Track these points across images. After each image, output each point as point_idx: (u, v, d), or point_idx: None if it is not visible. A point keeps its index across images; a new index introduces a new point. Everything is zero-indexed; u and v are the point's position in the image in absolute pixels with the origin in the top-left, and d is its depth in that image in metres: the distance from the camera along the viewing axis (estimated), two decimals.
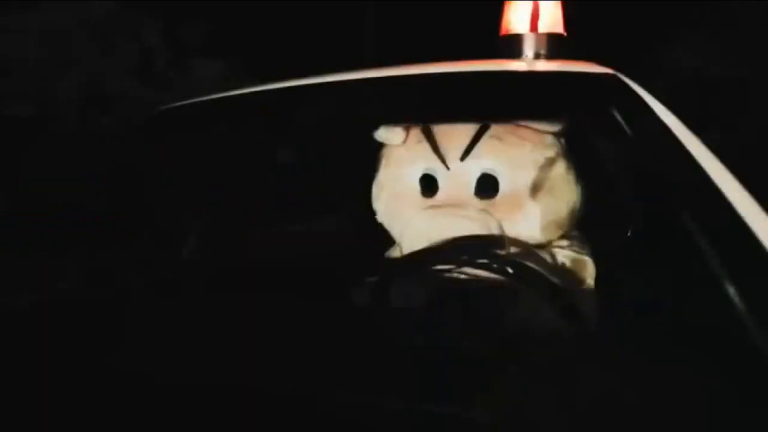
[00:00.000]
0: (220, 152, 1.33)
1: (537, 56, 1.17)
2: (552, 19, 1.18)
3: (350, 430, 0.53)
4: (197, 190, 1.34)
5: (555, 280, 0.85)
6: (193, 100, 1.25)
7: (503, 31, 1.22)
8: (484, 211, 0.97)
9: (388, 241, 1.15)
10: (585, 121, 1.02)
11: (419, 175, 1.05)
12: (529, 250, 0.96)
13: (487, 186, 1.00)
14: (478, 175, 1.00)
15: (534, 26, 1.18)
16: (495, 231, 0.96)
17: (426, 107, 1.05)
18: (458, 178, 1.02)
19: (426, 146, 1.05)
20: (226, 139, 1.30)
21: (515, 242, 0.97)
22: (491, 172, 1.00)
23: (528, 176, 0.99)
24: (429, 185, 1.04)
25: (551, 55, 1.16)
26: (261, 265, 1.06)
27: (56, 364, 0.65)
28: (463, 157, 1.01)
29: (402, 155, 1.09)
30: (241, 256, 1.22)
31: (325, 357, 0.62)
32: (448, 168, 1.02)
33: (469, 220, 0.96)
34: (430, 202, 1.04)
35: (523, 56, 1.18)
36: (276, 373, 0.59)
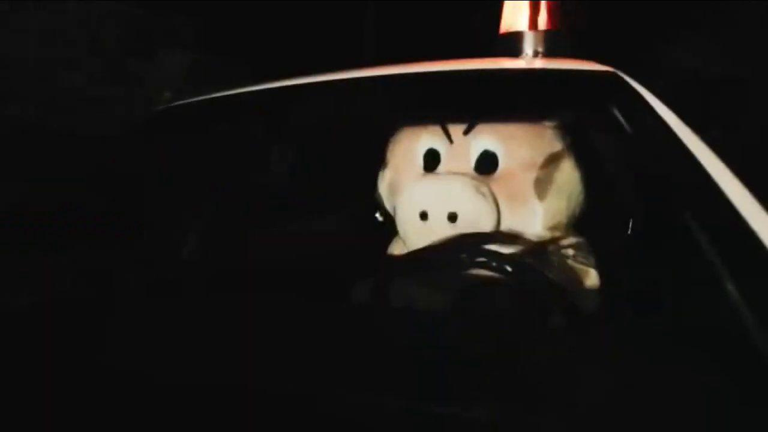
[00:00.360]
0: (220, 152, 1.33)
1: (536, 54, 1.17)
2: (551, 17, 1.18)
3: (350, 430, 0.53)
4: (197, 190, 1.34)
5: (555, 278, 0.85)
6: (193, 100, 1.25)
7: (503, 29, 1.23)
8: (481, 182, 0.98)
9: (389, 239, 1.15)
10: (586, 119, 1.02)
11: (424, 150, 1.07)
12: (529, 247, 0.96)
13: (487, 163, 1.02)
14: (479, 151, 1.02)
15: (533, 24, 1.18)
16: (487, 197, 0.97)
17: (427, 105, 1.06)
18: (459, 153, 1.04)
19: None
20: (225, 139, 1.30)
21: (515, 239, 0.97)
22: (492, 149, 1.01)
23: (527, 157, 1.00)
24: (432, 161, 1.06)
25: (551, 53, 1.16)
26: (261, 265, 1.06)
27: (56, 365, 0.65)
28: (466, 132, 1.03)
29: (409, 130, 1.11)
30: (241, 256, 1.22)
31: (326, 357, 0.62)
32: (451, 141, 1.04)
33: (460, 183, 0.97)
34: (430, 175, 1.06)
35: (523, 54, 1.18)
36: (276, 373, 0.59)
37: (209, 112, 1.22)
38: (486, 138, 1.02)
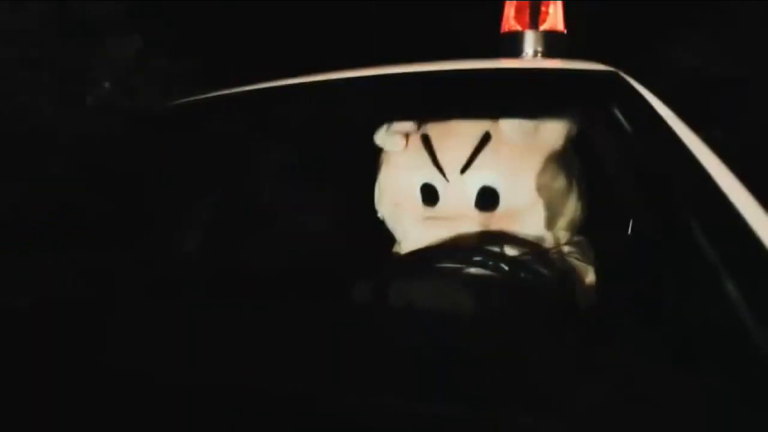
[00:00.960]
0: (221, 151, 1.33)
1: (536, 54, 1.17)
2: (553, 17, 1.18)
3: (350, 430, 0.53)
4: (198, 189, 1.34)
5: (554, 277, 0.85)
6: (196, 98, 1.25)
7: (504, 29, 1.23)
8: (483, 225, 0.98)
9: (389, 239, 1.15)
10: (586, 119, 1.02)
11: (420, 184, 1.05)
12: (529, 247, 0.96)
13: (487, 198, 1.00)
14: (478, 188, 1.00)
15: (535, 24, 1.18)
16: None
17: (427, 105, 1.05)
18: (458, 191, 1.01)
19: (425, 157, 1.04)
20: (226, 138, 1.30)
21: (515, 240, 0.97)
22: (491, 185, 0.99)
23: (528, 189, 0.98)
24: (430, 194, 1.04)
25: (551, 53, 1.16)
26: (261, 264, 1.06)
27: (56, 365, 0.65)
28: (463, 170, 1.01)
29: (402, 163, 1.09)
30: (241, 256, 1.22)
31: (326, 357, 0.62)
32: (447, 180, 1.02)
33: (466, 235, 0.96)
34: (430, 211, 1.04)
35: (524, 54, 1.18)
36: (276, 373, 0.59)
37: (211, 111, 1.22)
38: (484, 174, 1.00)
